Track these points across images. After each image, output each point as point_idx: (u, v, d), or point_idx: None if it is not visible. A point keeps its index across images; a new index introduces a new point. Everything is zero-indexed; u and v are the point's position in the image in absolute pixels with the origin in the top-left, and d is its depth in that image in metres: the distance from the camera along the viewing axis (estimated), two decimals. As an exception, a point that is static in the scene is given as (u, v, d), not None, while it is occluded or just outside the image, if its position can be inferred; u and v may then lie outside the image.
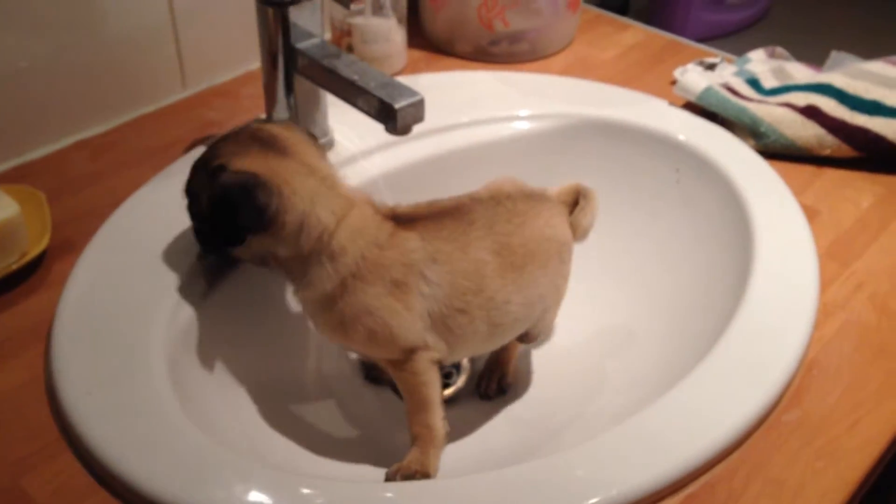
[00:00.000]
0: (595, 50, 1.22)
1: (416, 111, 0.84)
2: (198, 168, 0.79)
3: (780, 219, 0.91)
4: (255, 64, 1.15)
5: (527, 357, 0.98)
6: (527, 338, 0.86)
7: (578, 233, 0.86)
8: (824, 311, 0.83)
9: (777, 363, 0.76)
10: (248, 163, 0.75)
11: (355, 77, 0.87)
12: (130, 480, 0.66)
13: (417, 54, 1.22)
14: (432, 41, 1.24)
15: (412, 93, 0.84)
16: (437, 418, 0.79)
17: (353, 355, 0.97)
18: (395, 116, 0.83)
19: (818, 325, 0.81)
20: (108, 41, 1.02)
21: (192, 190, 0.81)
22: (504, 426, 0.92)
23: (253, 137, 0.78)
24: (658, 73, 1.16)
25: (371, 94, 0.85)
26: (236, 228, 0.75)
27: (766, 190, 0.94)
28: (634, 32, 1.27)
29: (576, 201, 0.87)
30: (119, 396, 0.72)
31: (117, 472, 0.66)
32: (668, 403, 0.73)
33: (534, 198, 0.83)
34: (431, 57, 1.21)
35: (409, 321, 0.76)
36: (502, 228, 0.79)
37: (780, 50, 1.17)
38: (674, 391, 0.74)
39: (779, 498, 0.68)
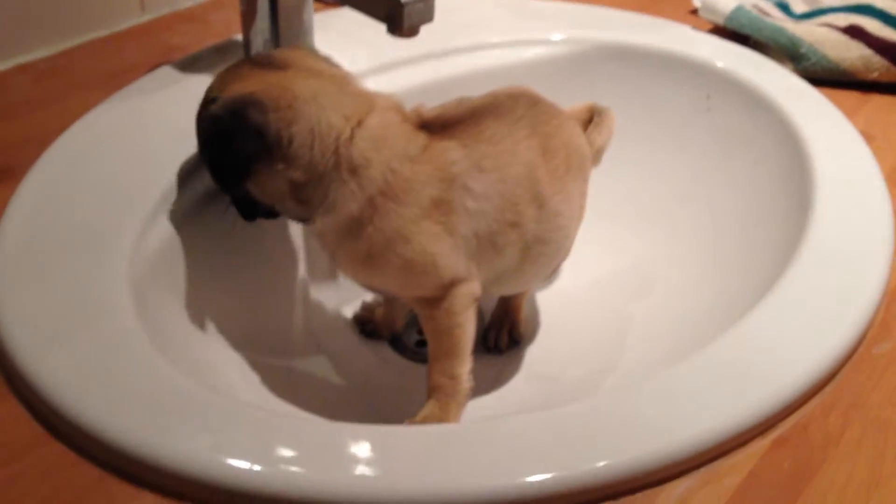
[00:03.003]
0: (597, -19, 1.11)
1: (426, 8, 0.72)
2: (198, 114, 0.67)
3: (836, 141, 0.80)
4: (225, -12, 1.02)
5: (535, 305, 0.86)
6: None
7: (593, 153, 0.75)
8: (897, 238, 0.72)
9: (858, 291, 0.65)
10: (241, 85, 0.64)
11: (352, -31, 0.74)
12: (90, 427, 0.52)
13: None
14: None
15: (420, -14, 0.72)
16: (465, 369, 0.67)
17: (348, 311, 0.84)
18: (401, 13, 0.71)
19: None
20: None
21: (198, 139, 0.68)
22: (522, 382, 0.81)
23: (250, 62, 0.67)
24: (671, 4, 1.05)
25: (373, -14, 0.72)
26: (238, 160, 0.62)
27: (815, 112, 0.84)
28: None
29: (590, 120, 0.77)
30: (74, 329, 0.58)
31: (73, 418, 0.53)
32: (739, 336, 0.62)
33: (558, 106, 0.72)
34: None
35: (451, 247, 0.63)
36: (545, 129, 0.68)
37: (803, -24, 1.07)
38: (743, 324, 0.62)
39: (886, 439, 0.56)
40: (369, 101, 0.65)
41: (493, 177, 0.64)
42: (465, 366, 0.67)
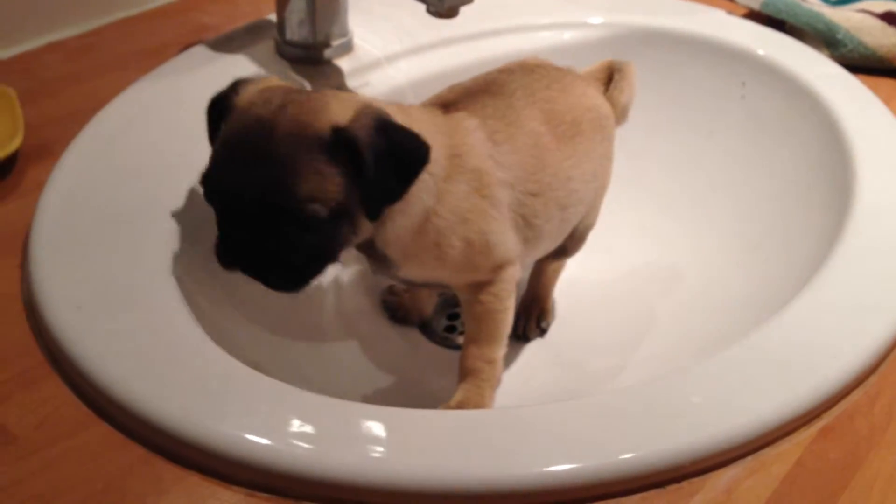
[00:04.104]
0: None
1: (467, -12, 0.71)
2: (298, 159, 0.55)
3: (876, 128, 0.79)
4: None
5: (564, 292, 0.85)
6: (571, 240, 0.74)
7: (617, 111, 0.75)
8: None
9: (901, 280, 0.65)
10: (340, 110, 0.57)
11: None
12: (137, 407, 0.52)
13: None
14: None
15: (462, -35, 0.71)
16: (502, 353, 0.67)
17: (378, 296, 0.84)
18: (443, -7, 0.70)
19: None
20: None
21: (304, 196, 0.55)
22: (550, 369, 0.80)
23: (284, 91, 0.59)
24: (705, -12, 1.04)
25: (413, -35, 0.72)
26: (411, 174, 0.58)
27: (853, 99, 0.83)
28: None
29: (610, 78, 0.76)
30: (117, 309, 0.58)
31: (119, 398, 0.53)
32: (783, 325, 0.61)
33: (565, 70, 0.73)
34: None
35: (500, 224, 0.63)
36: (544, 95, 0.68)
37: (838, -36, 1.06)
38: (786, 313, 0.62)
39: (932, 430, 0.56)
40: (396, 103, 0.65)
41: (506, 148, 0.64)
42: (502, 350, 0.67)
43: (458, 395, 0.66)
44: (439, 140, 0.61)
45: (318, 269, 0.59)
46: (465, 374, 0.66)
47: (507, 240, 0.64)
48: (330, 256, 0.60)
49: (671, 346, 0.79)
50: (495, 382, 0.67)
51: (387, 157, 0.56)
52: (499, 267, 0.64)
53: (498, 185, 0.63)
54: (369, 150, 0.55)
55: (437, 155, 0.60)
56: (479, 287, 0.65)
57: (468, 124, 0.63)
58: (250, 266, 0.58)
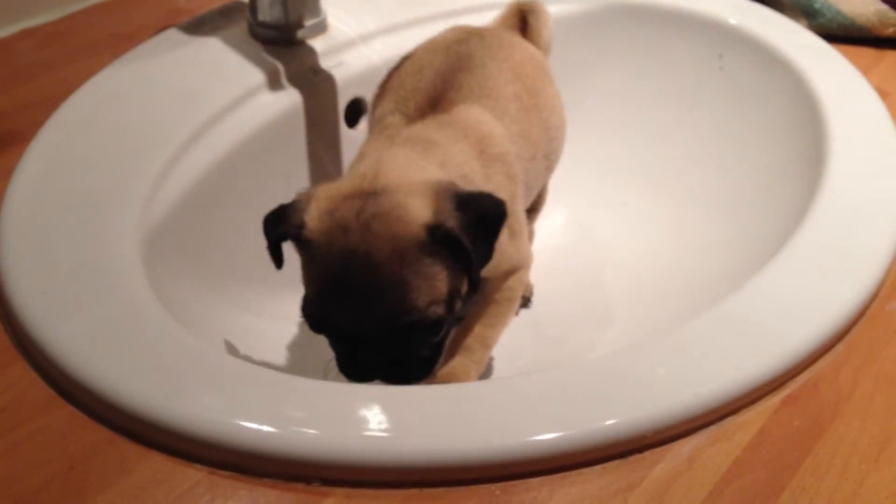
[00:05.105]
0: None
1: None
2: (407, 276, 0.54)
3: (852, 98, 0.79)
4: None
5: (543, 266, 0.84)
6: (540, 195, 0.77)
7: (543, 51, 0.77)
8: (912, 195, 0.71)
9: (871, 248, 0.64)
10: (416, 210, 0.55)
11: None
12: (101, 389, 0.52)
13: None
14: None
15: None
16: (498, 339, 0.67)
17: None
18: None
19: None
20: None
21: (424, 306, 0.55)
22: (530, 343, 0.81)
23: (350, 204, 0.55)
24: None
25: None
26: (497, 231, 0.56)
27: (830, 70, 0.82)
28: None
29: (522, 22, 0.78)
30: (83, 294, 0.58)
31: (83, 380, 0.53)
32: (751, 294, 0.61)
33: (497, 28, 0.75)
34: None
35: (521, 200, 0.65)
36: (503, 55, 0.70)
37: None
38: (755, 282, 0.62)
39: (897, 396, 0.56)
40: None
41: (507, 121, 0.65)
42: (501, 335, 0.67)
43: (446, 368, 0.65)
44: (464, 146, 0.61)
45: (444, 347, 0.60)
46: (457, 349, 0.66)
47: (525, 216, 0.65)
48: (449, 333, 0.60)
49: (651, 316, 0.79)
50: (481, 367, 0.66)
51: (475, 228, 0.54)
52: (524, 246, 0.65)
53: (514, 161, 0.64)
54: (464, 234, 0.54)
55: (471, 165, 0.60)
56: (508, 273, 0.65)
57: (474, 113, 0.63)
58: (384, 375, 0.58)
